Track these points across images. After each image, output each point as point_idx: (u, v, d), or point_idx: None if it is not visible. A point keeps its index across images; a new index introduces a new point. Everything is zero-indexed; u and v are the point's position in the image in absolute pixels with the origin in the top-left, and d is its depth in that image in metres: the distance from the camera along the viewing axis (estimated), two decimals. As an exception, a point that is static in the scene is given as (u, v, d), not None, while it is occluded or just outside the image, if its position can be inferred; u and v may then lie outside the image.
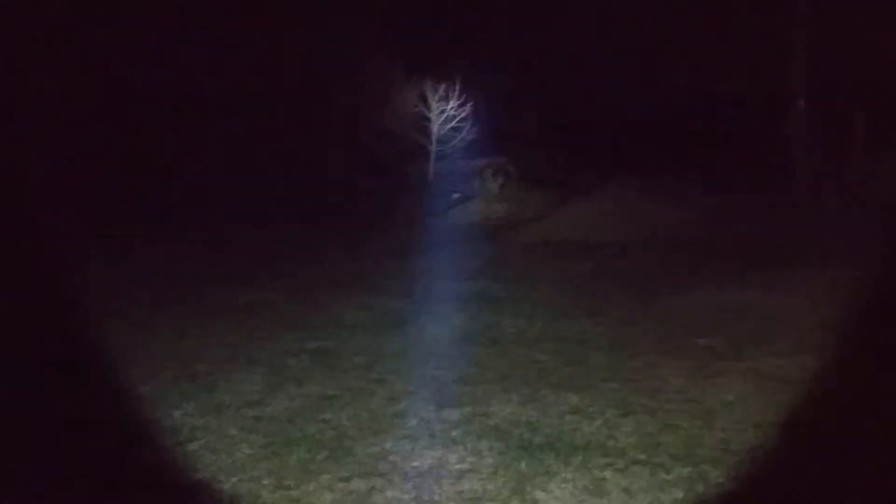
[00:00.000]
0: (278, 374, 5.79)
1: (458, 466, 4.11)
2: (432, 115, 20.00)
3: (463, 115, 19.99)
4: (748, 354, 5.97)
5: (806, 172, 14.60)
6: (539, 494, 3.79)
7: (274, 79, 19.34)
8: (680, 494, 3.75)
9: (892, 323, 6.65)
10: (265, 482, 3.94)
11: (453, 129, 20.23)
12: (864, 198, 11.54)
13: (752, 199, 13.73)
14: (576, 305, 7.91)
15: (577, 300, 8.15)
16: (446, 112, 19.91)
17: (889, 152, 10.82)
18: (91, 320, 6.48)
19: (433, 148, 20.33)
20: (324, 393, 5.34)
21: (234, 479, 3.99)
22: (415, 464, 4.16)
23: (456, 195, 17.64)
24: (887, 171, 10.84)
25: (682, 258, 10.63)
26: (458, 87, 19.76)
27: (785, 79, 15.95)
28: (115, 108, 16.50)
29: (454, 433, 4.57)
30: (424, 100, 20.14)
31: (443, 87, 19.75)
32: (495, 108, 19.90)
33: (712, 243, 11.53)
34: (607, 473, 3.97)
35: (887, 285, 7.93)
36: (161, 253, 11.29)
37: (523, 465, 4.09)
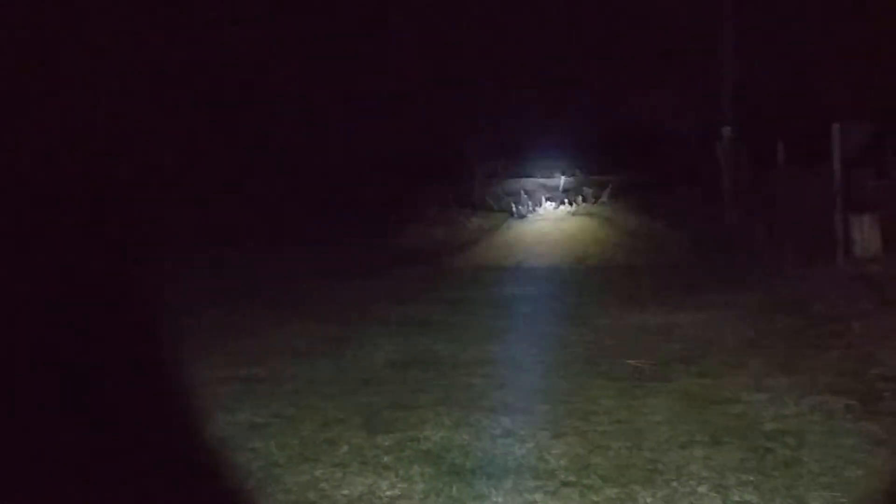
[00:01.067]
0: (206, 402, 5.66)
1: (388, 493, 4.07)
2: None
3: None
4: (676, 375, 6.09)
5: (733, 198, 15.04)
6: (470, 519, 3.79)
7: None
8: (609, 515, 3.79)
9: (809, 343, 6.89)
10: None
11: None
12: (786, 221, 11.96)
13: (682, 223, 14.08)
14: (509, 329, 7.97)
15: (511, 324, 8.23)
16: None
17: (809, 178, 11.28)
18: None
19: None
20: (253, 421, 5.25)
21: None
22: (345, 491, 4.10)
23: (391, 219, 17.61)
24: (807, 195, 11.26)
25: (615, 281, 10.83)
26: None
27: (715, 109, 16.51)
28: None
29: (386, 459, 4.53)
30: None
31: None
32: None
33: (643, 266, 11.77)
34: (538, 496, 3.98)
35: (804, 308, 8.23)
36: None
37: (454, 489, 4.08)
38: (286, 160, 18.68)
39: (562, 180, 17.04)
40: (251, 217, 16.66)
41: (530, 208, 15.43)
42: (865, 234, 10.22)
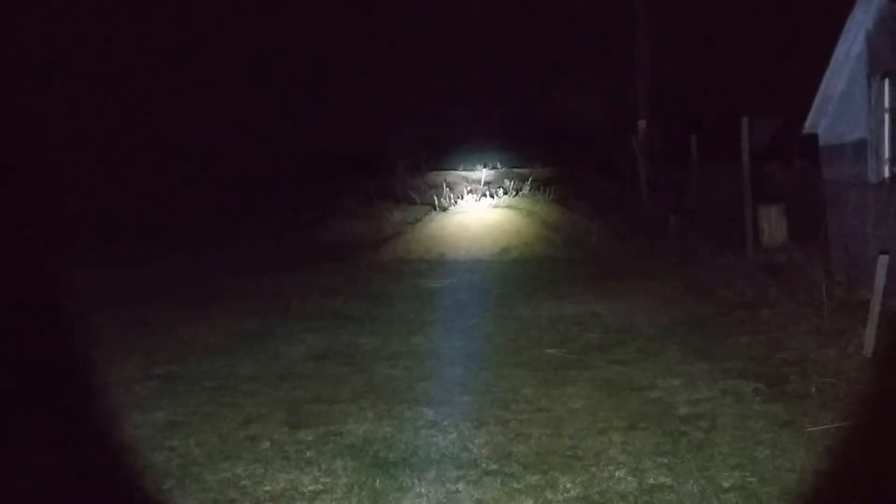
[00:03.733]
0: (122, 402, 5.50)
1: (311, 488, 4.05)
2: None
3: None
4: (595, 363, 6.22)
5: (649, 190, 15.43)
6: (393, 511, 3.80)
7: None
8: (530, 502, 3.85)
9: (720, 330, 7.15)
10: (105, 516, 3.74)
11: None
12: (699, 212, 12.34)
13: (601, 215, 14.35)
14: (431, 321, 7.99)
15: (433, 316, 8.25)
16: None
17: (719, 168, 11.68)
18: None
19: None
20: (171, 419, 5.13)
21: (70, 516, 3.75)
22: (266, 488, 4.06)
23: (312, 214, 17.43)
24: (717, 185, 11.65)
25: (535, 271, 10.98)
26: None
27: (632, 104, 16.90)
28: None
29: (308, 454, 4.50)
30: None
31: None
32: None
33: (564, 258, 11.96)
34: (460, 486, 4.02)
35: (715, 296, 8.52)
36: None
37: (378, 482, 4.08)
38: (202, 155, 18.35)
39: (483, 173, 17.16)
40: (167, 214, 16.29)
41: (452, 201, 15.46)
42: (773, 224, 10.62)
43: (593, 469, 4.18)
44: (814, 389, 5.29)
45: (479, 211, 14.76)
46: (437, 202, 15.58)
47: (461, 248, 12.85)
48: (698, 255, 10.61)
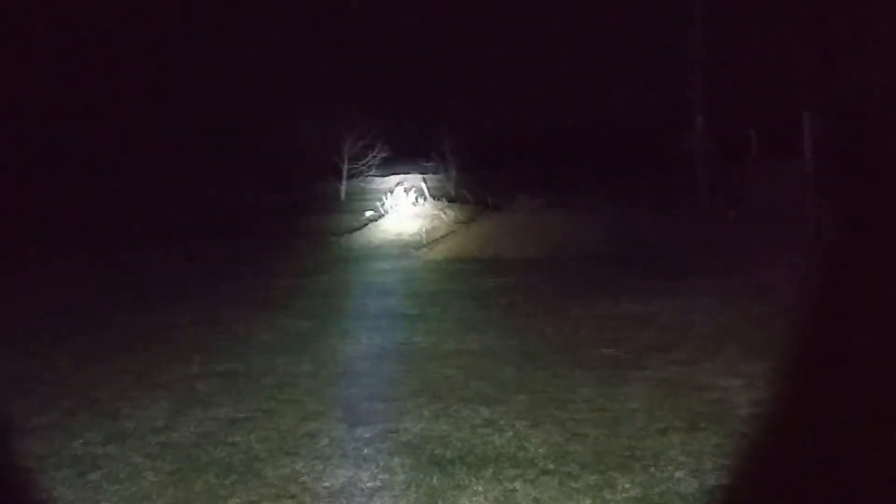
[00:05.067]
0: (185, 398, 5.64)
1: (370, 484, 4.09)
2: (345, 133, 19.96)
3: (375, 132, 20.05)
4: (651, 362, 6.15)
5: (707, 187, 15.20)
6: (451, 509, 3.81)
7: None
8: (588, 502, 3.83)
9: (787, 329, 6.99)
10: (171, 509, 3.83)
11: (365, 146, 20.24)
12: (759, 210, 12.11)
13: (657, 213, 14.19)
14: (486, 320, 8.00)
15: (488, 315, 8.25)
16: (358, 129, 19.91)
17: (779, 165, 11.45)
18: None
19: (345, 166, 20.28)
20: (232, 416, 5.24)
21: (137, 509, 3.86)
22: (326, 484, 4.11)
23: (369, 213, 17.60)
24: (779, 184, 11.42)
25: (590, 271, 10.90)
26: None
27: (686, 100, 16.63)
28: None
29: (366, 451, 4.54)
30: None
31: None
32: (407, 125, 20.05)
33: (619, 256, 11.85)
34: (517, 484, 4.02)
35: (779, 294, 8.34)
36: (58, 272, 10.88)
37: (435, 480, 4.10)
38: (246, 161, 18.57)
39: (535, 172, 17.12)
40: (229, 215, 16.61)
41: (505, 200, 15.48)
42: (833, 219, 10.39)
43: (652, 469, 4.13)
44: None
45: (532, 210, 14.72)
46: (490, 201, 15.59)
47: (514, 246, 12.83)
48: (757, 252, 10.42)
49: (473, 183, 17.58)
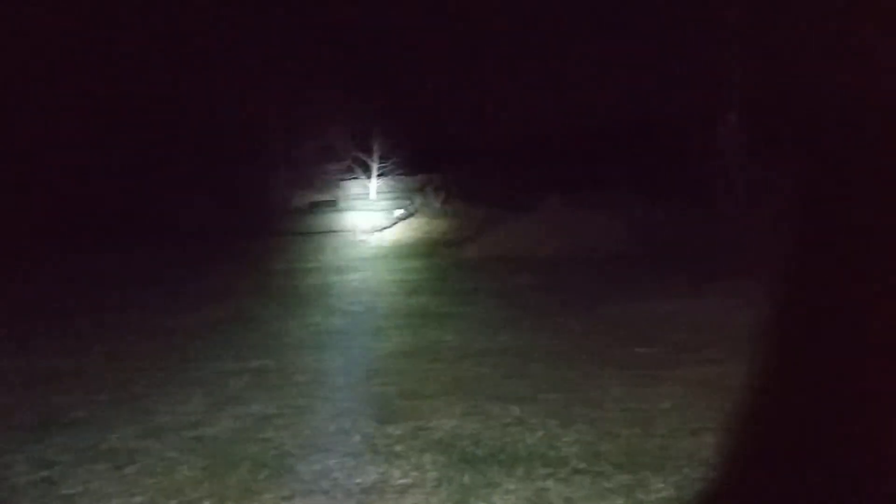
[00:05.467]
0: (219, 394, 5.70)
1: (401, 481, 4.10)
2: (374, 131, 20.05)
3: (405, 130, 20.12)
4: (684, 362, 6.09)
5: (737, 184, 15.03)
6: (482, 506, 3.81)
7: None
8: (620, 501, 3.80)
9: (819, 330, 6.89)
10: (205, 503, 3.87)
11: (394, 144, 20.30)
12: (792, 207, 11.93)
13: (686, 211, 14.06)
14: (516, 319, 7.98)
15: (518, 314, 8.23)
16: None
17: (816, 163, 11.22)
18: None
19: (375, 165, 20.35)
20: (265, 412, 5.28)
21: (173, 502, 3.90)
22: (357, 480, 4.13)
23: (399, 211, 17.66)
24: (816, 181, 11.21)
25: (620, 270, 10.83)
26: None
27: (716, 97, 16.44)
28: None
29: (397, 448, 4.55)
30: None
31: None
32: (434, 124, 20.07)
33: (649, 255, 11.76)
34: (549, 483, 4.00)
35: (812, 294, 8.22)
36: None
37: (466, 477, 4.10)
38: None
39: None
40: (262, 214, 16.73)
41: (535, 200, 15.41)
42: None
43: (686, 470, 4.09)
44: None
45: (562, 209, 14.66)
46: (519, 200, 15.55)
47: (544, 245, 12.79)
48: (790, 252, 10.27)
49: (503, 182, 17.54)
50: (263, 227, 16.38)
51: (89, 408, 5.42)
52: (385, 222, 16.98)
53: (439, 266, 11.74)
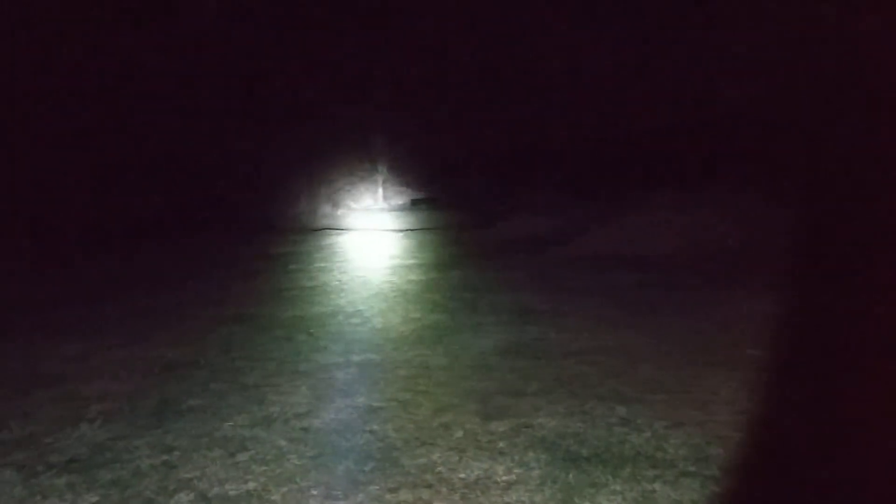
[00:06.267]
0: (325, 386, 5.84)
1: (505, 478, 4.10)
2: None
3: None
4: (799, 363, 5.84)
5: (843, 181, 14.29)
6: (587, 506, 3.76)
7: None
8: (731, 507, 3.69)
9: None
10: (314, 493, 3.98)
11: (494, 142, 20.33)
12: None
13: (792, 208, 13.46)
14: (622, 317, 7.84)
15: (623, 312, 8.08)
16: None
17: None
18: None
19: (475, 162, 20.42)
20: (370, 405, 5.37)
21: (282, 490, 4.03)
22: (462, 475, 4.15)
23: (500, 208, 17.65)
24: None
25: (728, 269, 10.49)
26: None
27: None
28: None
29: (501, 445, 4.55)
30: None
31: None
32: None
33: (757, 253, 11.33)
34: (657, 486, 3.92)
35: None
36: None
37: (571, 476, 4.06)
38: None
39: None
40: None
41: (639, 197, 15.11)
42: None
43: (801, 477, 3.93)
44: None
45: (670, 206, 14.31)
46: (625, 197, 15.28)
47: (653, 243, 12.52)
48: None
49: (607, 178, 17.28)
50: (362, 224, 16.69)
51: (204, 396, 5.65)
52: (485, 219, 16.99)
53: (542, 263, 11.65)
